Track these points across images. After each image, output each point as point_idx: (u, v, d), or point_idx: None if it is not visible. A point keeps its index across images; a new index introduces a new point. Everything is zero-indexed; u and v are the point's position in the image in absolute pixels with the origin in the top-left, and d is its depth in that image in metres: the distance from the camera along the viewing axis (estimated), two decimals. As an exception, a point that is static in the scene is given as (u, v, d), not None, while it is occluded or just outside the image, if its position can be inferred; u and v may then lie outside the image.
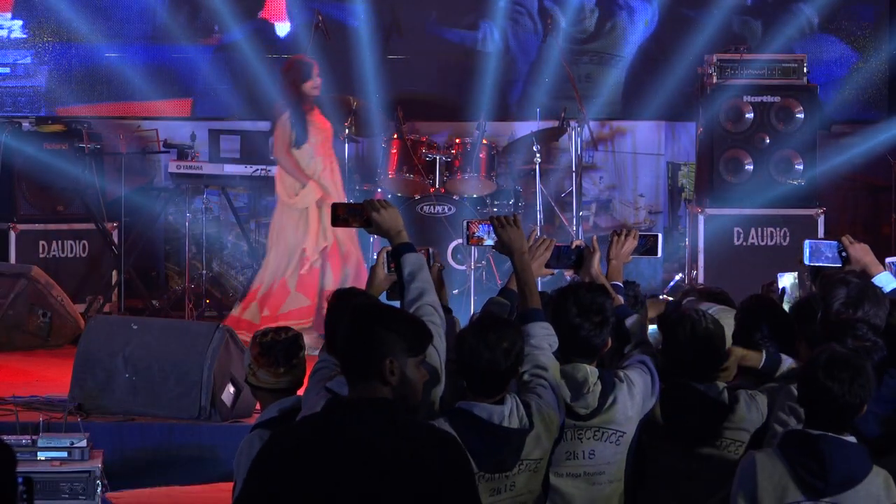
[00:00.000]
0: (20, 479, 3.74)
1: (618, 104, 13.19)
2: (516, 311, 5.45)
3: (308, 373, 5.47)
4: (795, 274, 6.54)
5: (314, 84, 10.42)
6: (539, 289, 5.45)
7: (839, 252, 6.04)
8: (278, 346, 5.51)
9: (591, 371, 5.25)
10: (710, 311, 5.83)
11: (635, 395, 5.29)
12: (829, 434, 4.60)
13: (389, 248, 5.42)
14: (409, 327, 4.24)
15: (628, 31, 13.24)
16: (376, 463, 3.97)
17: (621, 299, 5.76)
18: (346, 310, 5.24)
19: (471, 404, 4.92)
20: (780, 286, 6.52)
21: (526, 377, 5.09)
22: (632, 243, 5.96)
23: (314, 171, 10.39)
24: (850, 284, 5.27)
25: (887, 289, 5.87)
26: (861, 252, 6.02)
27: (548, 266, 5.77)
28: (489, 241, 5.58)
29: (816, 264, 6.06)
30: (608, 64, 13.21)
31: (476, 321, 5.02)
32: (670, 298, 6.56)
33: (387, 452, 3.98)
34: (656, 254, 6.07)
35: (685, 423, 5.39)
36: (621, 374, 5.32)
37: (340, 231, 10.17)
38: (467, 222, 5.67)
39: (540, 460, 5.02)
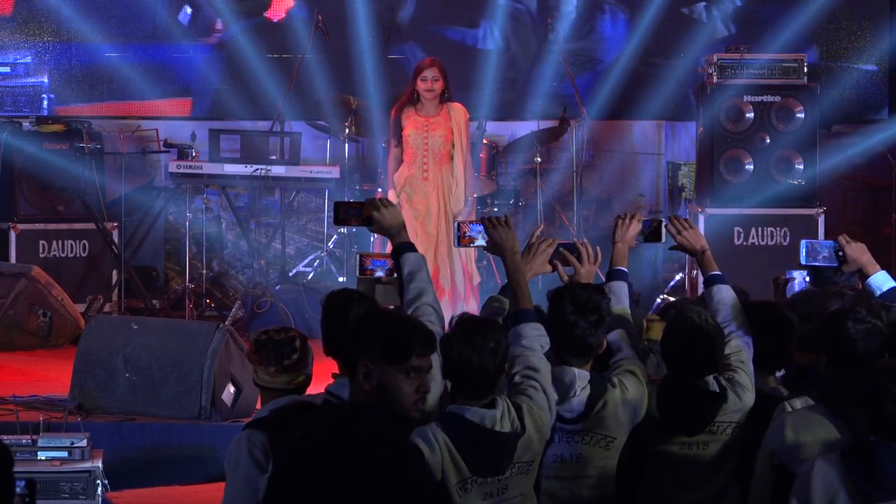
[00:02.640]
0: (22, 483, 3.73)
1: (600, 104, 13.16)
2: (510, 310, 5.44)
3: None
4: (805, 273, 6.53)
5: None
6: (540, 284, 5.47)
7: (836, 252, 6.04)
8: (270, 346, 5.51)
9: (579, 375, 5.25)
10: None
11: (629, 402, 5.30)
12: (885, 439, 4.57)
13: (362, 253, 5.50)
14: (389, 334, 4.25)
15: (609, 34, 13.22)
16: (342, 470, 4.00)
17: (624, 287, 5.76)
18: (337, 310, 5.26)
19: (462, 408, 4.90)
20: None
21: (517, 379, 5.09)
22: (636, 226, 5.96)
23: None
24: (844, 297, 5.27)
25: (884, 288, 5.88)
26: (858, 251, 6.02)
27: (550, 263, 5.78)
28: (480, 242, 5.59)
29: (813, 264, 6.07)
30: (586, 64, 13.19)
31: (458, 325, 5.01)
32: (671, 299, 6.53)
33: (350, 460, 4.01)
34: (660, 239, 6.04)
35: (683, 417, 5.41)
36: (615, 379, 5.33)
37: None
38: (458, 223, 5.69)
39: (531, 462, 5.02)
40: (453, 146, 10.18)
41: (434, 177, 10.21)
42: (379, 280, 5.66)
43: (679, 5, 13.08)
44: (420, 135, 10.13)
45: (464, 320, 5.04)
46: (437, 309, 5.24)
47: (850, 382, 4.94)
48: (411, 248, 5.38)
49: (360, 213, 5.51)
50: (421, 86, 10.14)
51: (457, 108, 10.26)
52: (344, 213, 5.59)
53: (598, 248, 5.90)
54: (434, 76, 10.11)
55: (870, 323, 5.06)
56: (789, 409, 5.17)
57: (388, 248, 5.56)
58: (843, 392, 4.96)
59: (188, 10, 13.01)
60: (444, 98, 10.20)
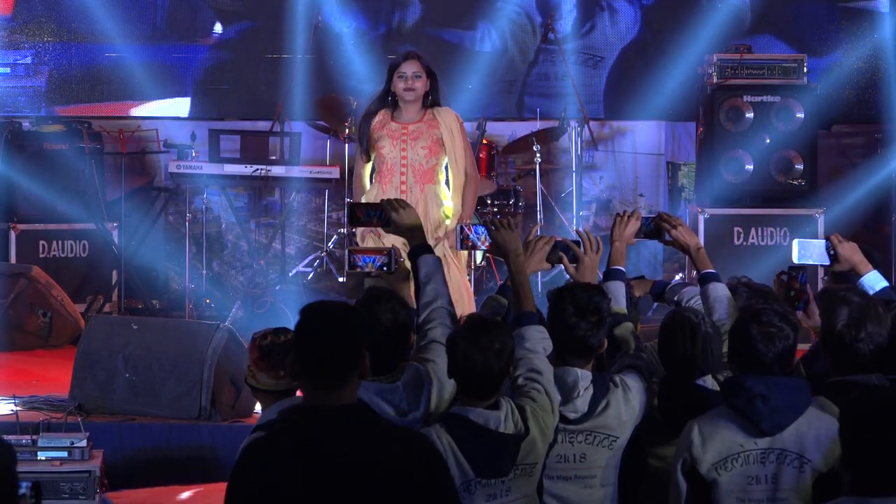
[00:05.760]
0: (26, 484, 3.72)
1: (599, 104, 13.17)
2: (513, 313, 5.44)
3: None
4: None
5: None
6: (539, 285, 5.47)
7: (827, 251, 6.05)
8: (278, 349, 5.51)
9: (581, 375, 5.24)
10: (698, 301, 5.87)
11: (631, 401, 5.29)
12: None
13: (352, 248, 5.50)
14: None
15: (610, 32, 13.22)
16: (357, 472, 3.95)
17: (622, 287, 5.76)
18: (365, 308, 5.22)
19: (465, 410, 4.91)
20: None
21: (520, 381, 5.09)
22: (635, 224, 5.95)
23: None
24: (851, 304, 5.27)
25: (876, 288, 5.88)
26: (850, 251, 6.03)
27: (548, 261, 5.77)
28: (483, 245, 5.59)
29: (806, 263, 6.08)
30: (586, 64, 13.20)
31: (464, 325, 5.02)
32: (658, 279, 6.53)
33: (366, 460, 3.96)
34: (662, 237, 6.03)
35: (684, 418, 5.41)
36: (617, 378, 5.33)
37: None
38: (461, 226, 5.69)
39: (535, 464, 5.02)
40: (440, 161, 8.37)
41: (416, 198, 8.22)
42: (368, 274, 5.66)
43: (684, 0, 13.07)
44: (397, 146, 8.32)
45: (470, 320, 5.05)
46: (451, 312, 5.25)
47: (752, 382, 4.95)
48: (428, 249, 5.39)
49: (378, 213, 5.52)
50: (399, 84, 8.37)
51: (445, 112, 8.43)
52: (364, 214, 5.60)
53: (598, 238, 5.89)
54: (415, 72, 8.35)
55: (775, 326, 5.04)
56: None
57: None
58: (746, 392, 4.97)
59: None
60: (428, 102, 8.40)
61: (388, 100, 8.42)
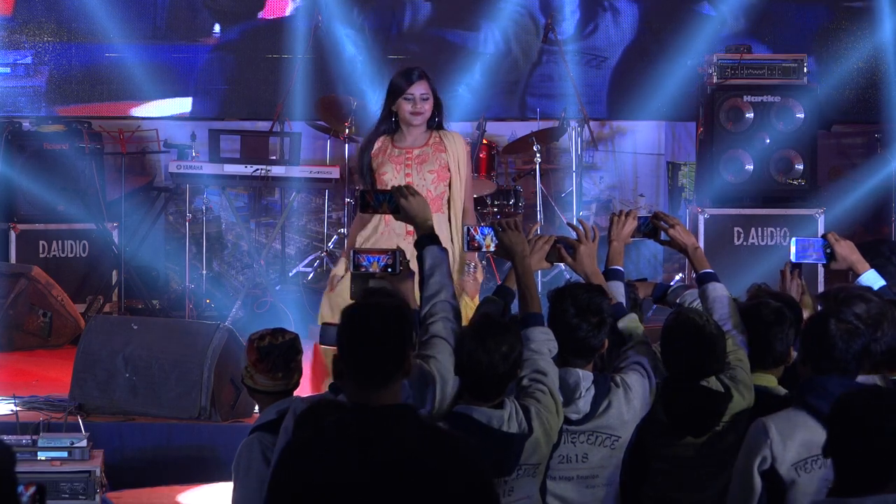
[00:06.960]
0: (22, 486, 3.71)
1: (602, 105, 13.17)
2: (519, 314, 5.43)
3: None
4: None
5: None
6: (539, 285, 5.46)
7: (825, 249, 6.05)
8: (276, 351, 5.51)
9: (583, 376, 5.23)
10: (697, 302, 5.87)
11: (632, 400, 5.28)
12: None
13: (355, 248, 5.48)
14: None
15: (612, 32, 13.22)
16: (403, 473, 3.89)
17: (621, 287, 5.75)
18: None
19: (469, 408, 4.90)
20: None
21: (525, 382, 5.08)
22: (632, 224, 5.93)
23: None
24: (870, 303, 5.25)
25: (874, 287, 5.87)
26: (847, 250, 6.03)
27: (547, 259, 5.76)
28: (490, 246, 5.58)
29: (804, 262, 6.08)
30: (589, 65, 13.21)
31: (474, 324, 5.01)
32: (671, 284, 6.51)
33: (411, 461, 3.91)
34: (659, 237, 6.03)
35: (690, 419, 5.41)
36: (618, 378, 5.32)
37: None
38: (467, 227, 5.68)
39: (538, 465, 5.01)
40: (449, 188, 7.43)
41: None
42: (373, 275, 5.65)
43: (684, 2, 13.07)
44: (401, 172, 7.37)
45: (481, 320, 5.03)
46: (454, 305, 5.19)
47: (836, 386, 4.90)
48: (435, 240, 5.36)
49: (388, 200, 5.51)
50: (406, 108, 7.39)
51: (455, 139, 7.52)
52: (373, 199, 5.60)
53: (595, 228, 5.89)
54: (423, 94, 7.41)
55: (852, 324, 5.03)
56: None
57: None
58: (829, 395, 4.94)
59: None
60: (434, 124, 7.48)
61: (391, 121, 7.45)
